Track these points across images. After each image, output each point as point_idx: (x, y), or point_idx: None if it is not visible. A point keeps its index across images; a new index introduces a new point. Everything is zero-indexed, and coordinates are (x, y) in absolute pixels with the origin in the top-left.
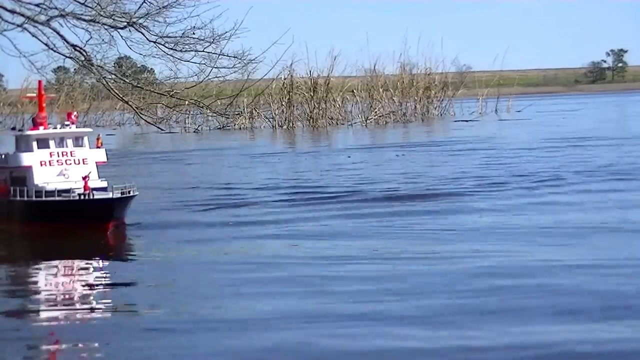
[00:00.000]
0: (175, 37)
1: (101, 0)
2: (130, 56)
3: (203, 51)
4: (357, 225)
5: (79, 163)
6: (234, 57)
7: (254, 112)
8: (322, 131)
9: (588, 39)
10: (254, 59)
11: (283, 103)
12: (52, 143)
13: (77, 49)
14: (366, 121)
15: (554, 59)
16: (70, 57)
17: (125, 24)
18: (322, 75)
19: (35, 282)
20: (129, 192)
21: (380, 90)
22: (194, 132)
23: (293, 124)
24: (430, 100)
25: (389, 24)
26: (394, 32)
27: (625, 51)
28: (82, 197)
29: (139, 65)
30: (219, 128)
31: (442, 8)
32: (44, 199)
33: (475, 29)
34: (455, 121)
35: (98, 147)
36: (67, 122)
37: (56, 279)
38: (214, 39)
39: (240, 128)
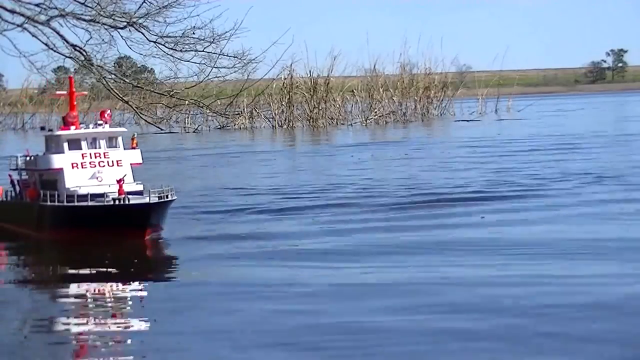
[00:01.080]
0: (175, 37)
1: (101, 0)
2: (130, 56)
3: (203, 51)
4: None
5: (112, 165)
6: (234, 57)
7: (254, 112)
8: (323, 131)
9: (588, 39)
10: (254, 59)
11: (283, 103)
12: (84, 144)
13: (77, 49)
14: (366, 121)
15: (554, 59)
16: (70, 57)
17: (125, 24)
18: (322, 75)
19: (55, 303)
20: (167, 197)
21: (380, 90)
22: (194, 132)
23: (293, 124)
24: (430, 100)
25: (389, 24)
26: (394, 32)
27: (625, 51)
28: (116, 202)
29: (139, 65)
30: (219, 128)
31: (442, 8)
32: (75, 203)
33: (475, 29)
34: (456, 121)
35: (133, 148)
36: (99, 121)
37: (80, 306)
38: (214, 39)
39: (240, 128)
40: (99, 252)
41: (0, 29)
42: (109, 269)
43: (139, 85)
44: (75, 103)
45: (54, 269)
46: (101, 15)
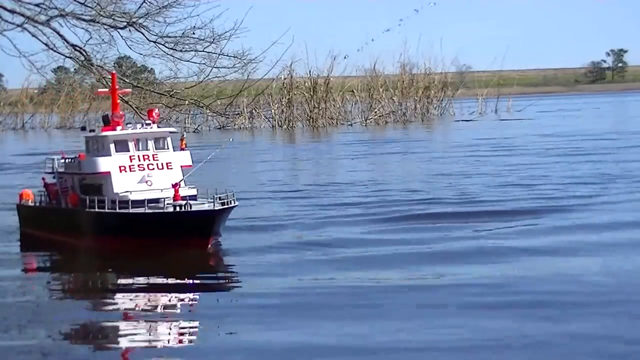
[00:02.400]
0: (175, 37)
1: (101, 0)
2: (130, 56)
3: (203, 51)
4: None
5: (162, 168)
6: (234, 57)
7: (253, 112)
8: (322, 131)
9: (588, 39)
10: (254, 59)
11: (283, 103)
12: (131, 145)
13: (77, 49)
14: (366, 121)
15: (554, 59)
16: (70, 57)
17: (125, 24)
18: (321, 75)
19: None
20: (230, 202)
21: (380, 90)
22: (194, 132)
23: (293, 124)
24: (430, 100)
25: (389, 24)
26: (394, 32)
27: (625, 51)
28: (178, 208)
29: (139, 65)
30: (219, 128)
31: (442, 8)
32: (130, 210)
33: (475, 29)
34: (456, 121)
35: (182, 149)
36: (147, 121)
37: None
38: (214, 39)
39: (240, 128)
40: (154, 263)
41: (0, 29)
42: (170, 279)
43: (139, 85)
44: (118, 101)
45: (108, 279)
46: (101, 15)
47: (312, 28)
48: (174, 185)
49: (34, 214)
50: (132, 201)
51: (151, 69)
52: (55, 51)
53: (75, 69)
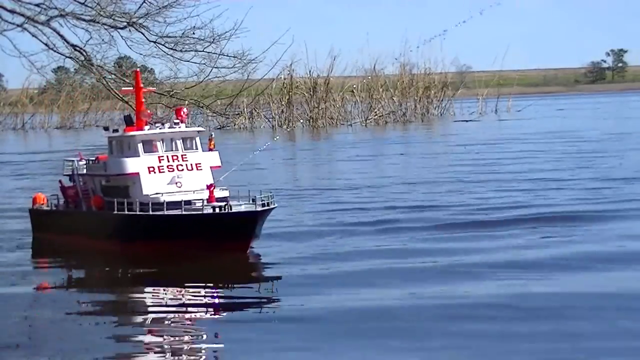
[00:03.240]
0: (175, 37)
1: (101, 0)
2: (130, 56)
3: (203, 51)
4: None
5: (191, 169)
6: (234, 57)
7: (254, 112)
8: (322, 131)
9: (588, 39)
10: (254, 59)
11: (283, 103)
12: (159, 145)
13: (77, 49)
14: (366, 121)
15: (554, 59)
16: (70, 57)
17: (125, 24)
18: (321, 75)
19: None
20: (270, 204)
21: (380, 90)
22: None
23: (293, 124)
24: (430, 100)
25: (389, 24)
26: (394, 32)
27: (625, 51)
28: (219, 209)
29: (139, 65)
30: (219, 128)
31: (442, 8)
32: (165, 212)
33: (475, 29)
34: (455, 121)
35: (210, 150)
36: (175, 120)
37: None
38: (214, 39)
39: (240, 128)
40: (192, 268)
41: (0, 29)
42: (205, 292)
43: None
44: (142, 99)
45: (138, 293)
46: (101, 15)
47: (312, 28)
48: (209, 186)
49: (50, 219)
50: (167, 203)
51: (151, 69)
52: (55, 51)
53: (75, 69)
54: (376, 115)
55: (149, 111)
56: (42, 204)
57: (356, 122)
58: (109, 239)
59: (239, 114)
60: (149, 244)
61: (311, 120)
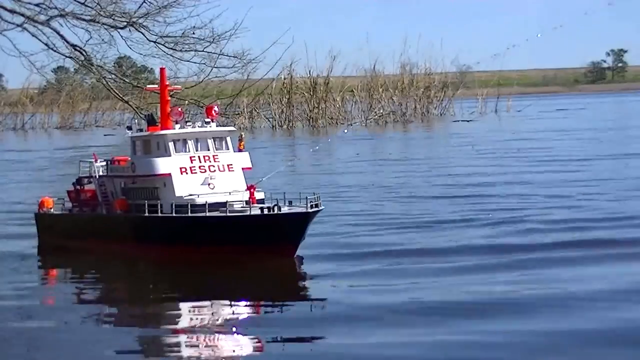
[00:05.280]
0: (175, 37)
1: (101, 0)
2: (130, 56)
3: (203, 51)
4: None
5: (223, 170)
6: (234, 57)
7: (254, 112)
8: (322, 131)
9: (588, 39)
10: (254, 59)
11: (283, 103)
12: (190, 145)
13: (77, 48)
14: (366, 121)
15: (554, 59)
16: (70, 57)
17: (125, 23)
18: (321, 75)
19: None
20: (318, 205)
21: (380, 90)
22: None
23: (293, 124)
24: (430, 100)
25: (389, 24)
26: (394, 32)
27: (625, 51)
28: (267, 211)
29: (139, 65)
30: None
31: (442, 7)
32: (207, 214)
33: (475, 29)
34: (455, 121)
35: (240, 150)
36: (207, 119)
37: None
38: (214, 39)
39: (240, 128)
40: (238, 276)
41: (0, 29)
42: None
43: (139, 85)
44: (168, 98)
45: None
46: (101, 15)
47: (312, 28)
48: (249, 187)
49: (62, 223)
50: (210, 204)
51: (151, 69)
52: (55, 51)
53: (75, 69)
54: (376, 115)
55: (179, 109)
56: (50, 208)
57: (356, 122)
58: (141, 243)
59: (239, 114)
60: (188, 249)
61: (311, 120)
